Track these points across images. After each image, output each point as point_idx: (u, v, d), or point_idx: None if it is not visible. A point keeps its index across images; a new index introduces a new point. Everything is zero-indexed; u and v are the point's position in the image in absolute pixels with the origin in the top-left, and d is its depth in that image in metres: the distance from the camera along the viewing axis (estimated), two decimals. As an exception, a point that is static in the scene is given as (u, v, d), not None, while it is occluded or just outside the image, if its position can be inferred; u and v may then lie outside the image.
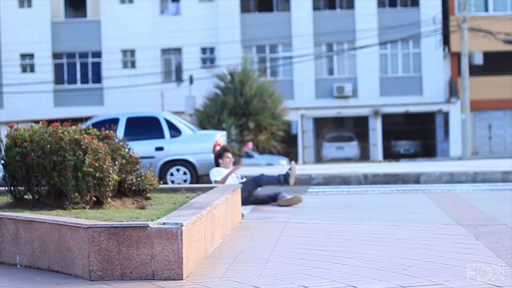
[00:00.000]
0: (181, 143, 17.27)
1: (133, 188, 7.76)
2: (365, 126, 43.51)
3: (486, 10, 42.84)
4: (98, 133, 7.68)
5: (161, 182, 8.80)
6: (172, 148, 17.19)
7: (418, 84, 42.75)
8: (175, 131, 17.52)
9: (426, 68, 42.53)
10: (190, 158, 17.15)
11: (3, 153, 7.45)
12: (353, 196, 13.63)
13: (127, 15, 42.45)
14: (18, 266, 6.37)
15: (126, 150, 7.78)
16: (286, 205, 11.33)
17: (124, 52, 42.83)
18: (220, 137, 17.66)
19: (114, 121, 17.46)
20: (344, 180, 17.84)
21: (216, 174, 12.13)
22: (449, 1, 42.71)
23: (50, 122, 8.00)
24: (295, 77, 42.66)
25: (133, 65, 42.80)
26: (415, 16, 42.32)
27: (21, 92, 42.35)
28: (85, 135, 7.36)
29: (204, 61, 42.45)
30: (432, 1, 42.24)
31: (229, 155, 12.48)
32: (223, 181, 11.70)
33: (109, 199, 7.29)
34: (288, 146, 40.04)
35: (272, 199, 11.61)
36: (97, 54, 43.07)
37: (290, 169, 11.76)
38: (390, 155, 42.78)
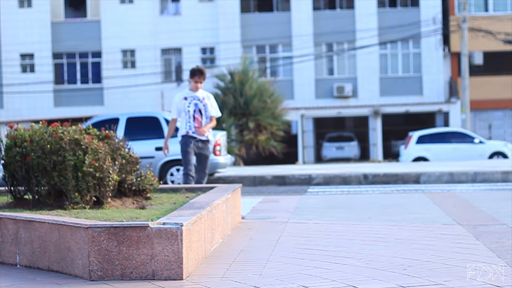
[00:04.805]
0: (181, 143, 17.25)
1: (133, 188, 7.76)
2: (365, 126, 43.52)
3: (486, 10, 42.85)
4: (98, 133, 7.68)
5: (161, 182, 8.79)
6: (172, 148, 17.15)
7: (418, 84, 42.76)
8: (175, 131, 17.52)
9: (426, 68, 42.55)
10: (190, 158, 17.14)
11: (3, 153, 7.45)
12: (353, 196, 13.63)
13: (127, 15, 42.46)
14: (18, 266, 6.37)
15: (126, 150, 7.77)
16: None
17: (124, 52, 42.83)
18: (220, 137, 17.65)
19: (114, 121, 17.47)
20: (344, 180, 17.84)
21: (173, 104, 11.53)
22: (449, 1, 42.72)
23: (50, 122, 8.00)
24: (295, 77, 42.67)
25: (133, 65, 42.82)
26: (415, 16, 42.33)
27: (21, 92, 42.36)
28: (85, 135, 7.36)
29: (204, 61, 42.46)
30: (432, 1, 42.25)
31: (198, 79, 11.28)
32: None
33: (109, 199, 7.29)
34: (288, 146, 40.05)
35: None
36: (97, 54, 43.08)
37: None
38: (390, 155, 42.79)
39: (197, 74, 11.28)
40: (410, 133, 31.17)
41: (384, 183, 17.54)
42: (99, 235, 5.55)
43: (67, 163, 7.02)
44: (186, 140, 11.27)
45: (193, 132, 11.26)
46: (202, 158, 11.44)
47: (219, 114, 11.54)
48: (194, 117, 11.29)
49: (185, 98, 11.36)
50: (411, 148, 29.88)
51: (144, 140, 17.03)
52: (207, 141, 11.45)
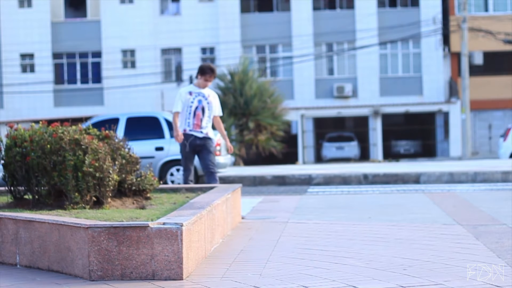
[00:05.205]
0: (181, 143, 17.25)
1: (133, 188, 7.76)
2: (365, 126, 43.52)
3: (486, 10, 42.85)
4: (98, 133, 7.68)
5: (161, 182, 8.78)
6: (172, 148, 17.17)
7: (418, 84, 42.77)
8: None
9: (426, 68, 42.55)
10: (190, 158, 17.13)
11: (3, 153, 7.45)
12: (353, 196, 13.63)
13: (127, 15, 42.47)
14: (18, 266, 6.37)
15: (126, 150, 7.78)
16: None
17: (124, 52, 42.84)
18: (220, 137, 17.64)
19: (114, 121, 17.47)
20: (344, 180, 17.84)
21: (177, 97, 10.98)
22: (449, 1, 42.73)
23: (50, 122, 8.00)
24: (295, 77, 42.67)
25: (133, 65, 42.82)
26: (415, 16, 42.34)
27: (21, 92, 42.36)
28: (85, 135, 7.36)
29: (204, 61, 42.46)
30: (432, 1, 42.25)
31: (208, 78, 10.91)
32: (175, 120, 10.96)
33: (109, 199, 7.29)
34: (288, 146, 40.06)
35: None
36: (97, 54, 43.09)
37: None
38: (390, 155, 42.80)
39: (208, 72, 10.89)
40: (510, 125, 30.90)
41: (384, 183, 17.54)
42: (99, 235, 5.55)
43: (67, 163, 7.02)
44: (183, 141, 10.96)
45: (190, 130, 10.92)
46: (204, 153, 11.02)
47: (221, 113, 11.26)
48: (194, 113, 10.92)
49: (190, 93, 10.96)
50: (510, 141, 29.56)
51: (144, 140, 17.03)
52: (208, 138, 11.04)
